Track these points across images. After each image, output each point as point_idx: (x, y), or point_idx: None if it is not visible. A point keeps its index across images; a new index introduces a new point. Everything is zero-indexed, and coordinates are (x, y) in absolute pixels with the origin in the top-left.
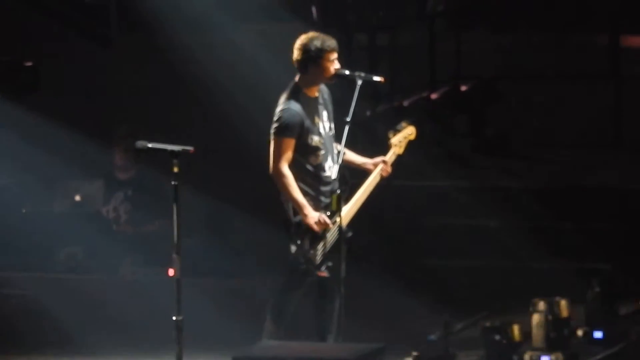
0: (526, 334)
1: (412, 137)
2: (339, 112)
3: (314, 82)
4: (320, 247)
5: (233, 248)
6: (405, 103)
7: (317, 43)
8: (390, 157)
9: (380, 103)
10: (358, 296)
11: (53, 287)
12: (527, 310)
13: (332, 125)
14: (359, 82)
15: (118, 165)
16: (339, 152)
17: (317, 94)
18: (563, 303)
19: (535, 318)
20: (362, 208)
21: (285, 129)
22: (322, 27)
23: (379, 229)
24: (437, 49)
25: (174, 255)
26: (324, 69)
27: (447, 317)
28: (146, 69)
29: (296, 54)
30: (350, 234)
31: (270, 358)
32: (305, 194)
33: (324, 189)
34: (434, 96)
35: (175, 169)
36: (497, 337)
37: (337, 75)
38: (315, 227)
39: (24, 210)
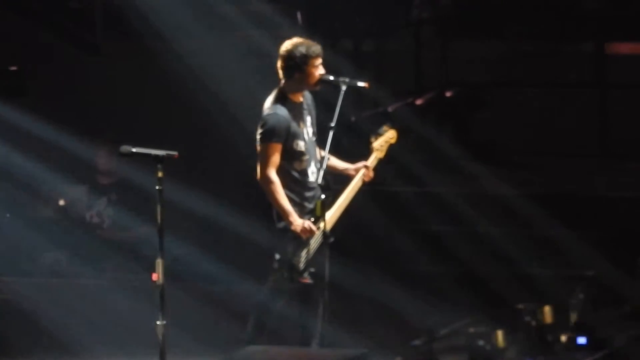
0: (510, 340)
1: (394, 140)
2: (324, 117)
3: (299, 88)
4: (303, 253)
5: (218, 253)
6: (390, 109)
7: (302, 49)
8: (372, 161)
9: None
10: (343, 301)
11: (37, 291)
12: (511, 316)
13: (315, 131)
14: (344, 88)
15: (101, 170)
16: (322, 158)
17: (301, 99)
18: (547, 309)
19: (520, 324)
20: (348, 213)
21: (272, 134)
22: (308, 33)
23: (366, 234)
24: (423, 56)
25: (158, 260)
26: (309, 75)
27: (431, 322)
28: (131, 74)
29: (281, 60)
30: (333, 240)
31: None
32: (289, 199)
33: (308, 194)
34: (418, 102)
35: (159, 174)
36: (482, 343)
37: (322, 80)
38: (302, 234)
39: (7, 215)
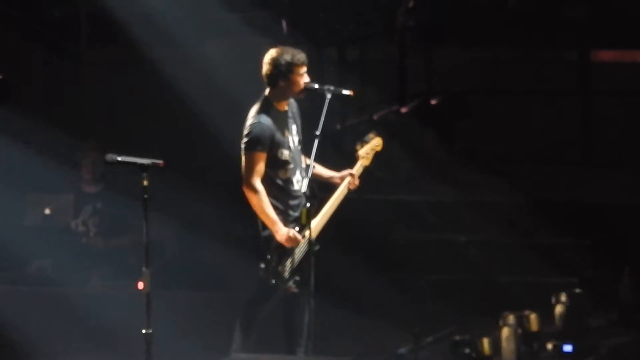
0: (496, 347)
1: (379, 148)
2: (309, 125)
3: (284, 96)
4: (288, 262)
5: (204, 261)
6: (375, 117)
7: (287, 57)
8: (357, 169)
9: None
10: (329, 309)
11: (23, 299)
12: (496, 324)
13: (301, 139)
14: (329, 96)
15: (86, 179)
16: (307, 166)
17: (286, 108)
18: (533, 317)
19: (505, 332)
20: (333, 221)
21: (257, 142)
22: (292, 41)
23: (350, 242)
24: (407, 63)
25: (144, 269)
26: (294, 83)
27: (416, 330)
28: (116, 82)
29: (266, 68)
30: (318, 248)
31: None
32: (274, 207)
33: (293, 202)
34: (404, 110)
35: (145, 183)
36: (467, 351)
37: (307, 89)
38: (286, 244)
39: None
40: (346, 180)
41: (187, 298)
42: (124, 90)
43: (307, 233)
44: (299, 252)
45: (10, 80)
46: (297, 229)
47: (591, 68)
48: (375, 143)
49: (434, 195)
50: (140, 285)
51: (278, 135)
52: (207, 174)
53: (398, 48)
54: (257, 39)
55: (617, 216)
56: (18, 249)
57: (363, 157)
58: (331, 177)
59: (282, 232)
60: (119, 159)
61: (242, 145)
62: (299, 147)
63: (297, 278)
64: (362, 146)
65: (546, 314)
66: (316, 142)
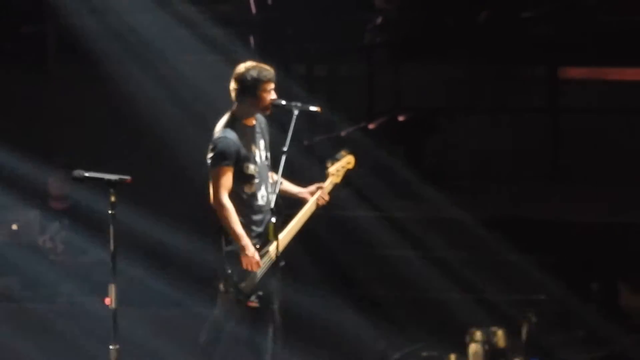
0: None
1: (351, 166)
2: (277, 142)
3: (251, 112)
4: (250, 277)
5: (169, 276)
6: (343, 133)
7: (254, 73)
8: (327, 185)
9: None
10: (295, 324)
11: None
12: (464, 340)
13: (269, 155)
14: (296, 112)
15: (53, 196)
16: (275, 182)
17: (254, 123)
18: (500, 333)
19: (473, 348)
20: (302, 237)
21: (222, 157)
22: (260, 57)
23: (319, 258)
24: (376, 80)
25: (111, 285)
26: (260, 99)
27: (383, 347)
28: (83, 98)
29: (233, 84)
30: (283, 263)
31: None
32: None
33: (256, 217)
34: (371, 126)
35: (112, 198)
36: None
37: (274, 105)
38: (247, 266)
39: None
40: (315, 196)
41: (156, 313)
42: (91, 106)
43: (271, 248)
44: (262, 268)
45: None
46: (260, 244)
47: (559, 85)
48: (346, 161)
49: (401, 211)
50: (107, 301)
51: (244, 150)
52: (174, 189)
53: (366, 65)
54: (225, 55)
55: (584, 233)
56: None
57: (333, 175)
58: (299, 193)
59: (249, 251)
60: (87, 174)
61: (208, 161)
62: (266, 163)
63: (260, 293)
64: (332, 163)
65: (513, 330)
66: (283, 158)
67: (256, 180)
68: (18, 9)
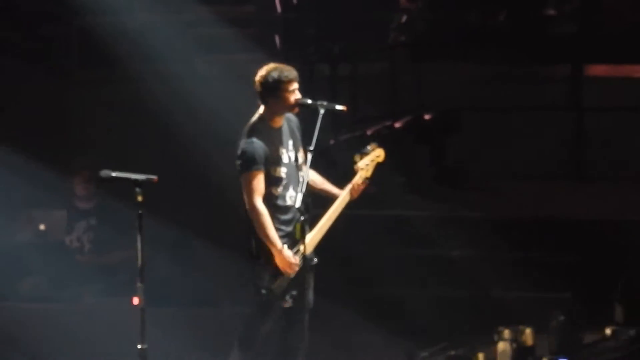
0: None
1: (381, 159)
2: (303, 141)
3: (276, 113)
4: (283, 278)
5: (201, 275)
6: (369, 132)
7: (275, 74)
8: (357, 180)
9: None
10: (321, 326)
11: (16, 316)
12: (492, 339)
13: (298, 155)
14: (322, 111)
15: (79, 195)
16: (303, 181)
17: (281, 124)
18: (528, 331)
19: (501, 346)
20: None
21: (252, 162)
22: (284, 57)
23: (340, 259)
24: (398, 79)
25: (138, 284)
26: (283, 100)
27: (409, 346)
28: (106, 99)
29: (256, 86)
30: (315, 261)
31: None
32: None
33: (285, 217)
34: (397, 125)
35: (139, 198)
36: None
37: (300, 104)
38: (283, 269)
39: None
40: (345, 192)
41: (183, 313)
42: (115, 106)
43: (301, 248)
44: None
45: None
46: (289, 243)
47: (583, 83)
48: (376, 154)
49: (424, 210)
50: (135, 300)
51: (271, 152)
52: (201, 189)
53: (389, 64)
54: (249, 55)
55: (610, 231)
56: (12, 265)
57: (362, 169)
58: (331, 190)
59: (285, 256)
60: (114, 174)
61: (238, 167)
62: (295, 163)
63: (294, 293)
64: (361, 158)
65: (541, 328)
66: (309, 157)
67: (284, 182)
68: (41, 10)
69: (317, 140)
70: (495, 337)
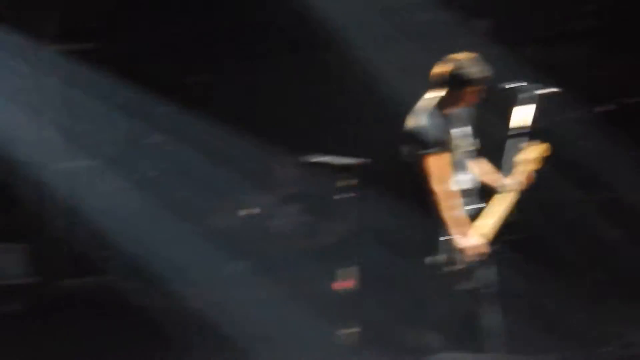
0: None
1: (547, 153)
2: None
3: (454, 103)
4: (466, 258)
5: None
6: (579, 114)
7: (468, 71)
8: (524, 171)
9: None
10: (517, 308)
11: (222, 301)
12: None
13: (474, 141)
14: (534, 94)
15: (284, 180)
16: (478, 167)
17: (456, 111)
18: None
19: None
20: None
21: (433, 145)
22: (491, 41)
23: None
24: (595, 67)
25: (351, 267)
26: (464, 96)
27: (618, 329)
28: (313, 84)
29: (445, 72)
30: (498, 246)
31: None
32: None
33: (461, 200)
34: (599, 110)
35: (347, 182)
36: None
37: (513, 88)
38: (467, 251)
39: (188, 226)
40: (512, 183)
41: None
42: (324, 94)
43: (480, 231)
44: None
45: (210, 84)
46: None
47: None
48: (542, 148)
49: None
50: (340, 284)
51: (448, 137)
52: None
53: (586, 50)
54: (448, 40)
55: None
56: (215, 251)
57: (529, 160)
58: (497, 179)
59: (467, 238)
60: (320, 159)
61: (420, 150)
62: (470, 149)
63: (480, 277)
64: (527, 149)
65: None
66: (514, 139)
67: (459, 166)
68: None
69: (533, 122)
70: None
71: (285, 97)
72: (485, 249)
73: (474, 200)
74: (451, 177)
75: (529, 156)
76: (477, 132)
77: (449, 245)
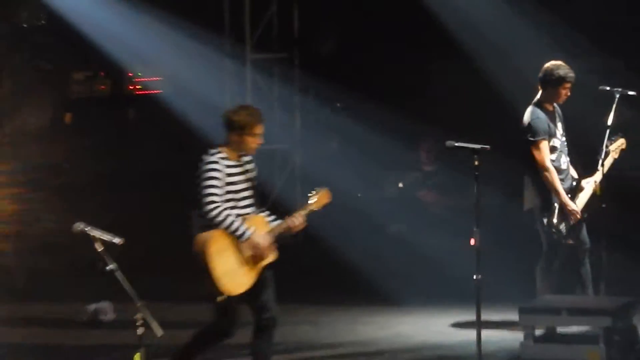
0: None
1: (624, 146)
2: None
3: (549, 101)
4: (567, 221)
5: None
6: None
7: (561, 72)
8: (608, 162)
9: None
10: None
11: (384, 256)
12: None
13: (564, 134)
14: (617, 96)
15: (423, 161)
16: (571, 152)
17: (552, 109)
18: None
19: None
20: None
21: (542, 132)
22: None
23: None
24: None
25: (475, 229)
26: (557, 93)
27: None
28: (454, 85)
29: (542, 73)
30: (586, 216)
31: (549, 307)
32: None
33: (560, 177)
34: None
35: (476, 163)
36: None
37: (604, 90)
38: (571, 214)
39: (359, 195)
40: (598, 174)
41: (507, 254)
42: (462, 87)
43: (576, 202)
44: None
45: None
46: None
47: None
48: (622, 141)
49: None
50: (472, 241)
51: (551, 127)
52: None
53: None
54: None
55: None
56: (380, 215)
57: (613, 151)
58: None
59: (571, 205)
60: (456, 144)
61: (529, 137)
62: (564, 140)
63: (575, 234)
64: (611, 144)
65: None
66: (607, 132)
67: (558, 150)
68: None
69: (613, 119)
70: None
71: (453, 97)
72: (582, 214)
73: (570, 177)
74: (554, 158)
75: (616, 147)
76: (568, 125)
77: (558, 210)
